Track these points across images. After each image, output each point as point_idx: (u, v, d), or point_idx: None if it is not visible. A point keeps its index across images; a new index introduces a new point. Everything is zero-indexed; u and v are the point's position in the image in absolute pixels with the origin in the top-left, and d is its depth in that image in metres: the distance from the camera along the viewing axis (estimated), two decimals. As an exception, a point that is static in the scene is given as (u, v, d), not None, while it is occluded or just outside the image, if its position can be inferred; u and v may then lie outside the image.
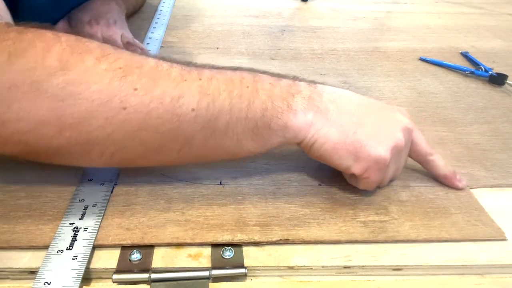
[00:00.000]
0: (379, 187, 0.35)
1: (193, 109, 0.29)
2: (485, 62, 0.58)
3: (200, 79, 0.30)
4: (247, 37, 0.65)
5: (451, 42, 0.66)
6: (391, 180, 0.36)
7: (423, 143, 0.36)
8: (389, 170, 0.34)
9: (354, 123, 0.32)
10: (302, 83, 0.34)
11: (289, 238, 0.31)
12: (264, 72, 0.34)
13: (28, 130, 0.28)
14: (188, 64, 0.32)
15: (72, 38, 0.29)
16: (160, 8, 0.73)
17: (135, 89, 0.28)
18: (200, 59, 0.57)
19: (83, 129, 0.28)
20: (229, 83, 0.31)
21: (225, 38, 0.64)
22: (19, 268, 0.28)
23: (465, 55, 0.61)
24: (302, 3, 0.82)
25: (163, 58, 0.31)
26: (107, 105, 0.28)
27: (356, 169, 0.32)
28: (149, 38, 0.61)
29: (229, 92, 0.30)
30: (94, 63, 0.28)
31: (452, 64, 0.58)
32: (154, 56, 0.31)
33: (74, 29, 0.54)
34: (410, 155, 0.36)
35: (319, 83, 0.35)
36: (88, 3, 0.56)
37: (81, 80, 0.27)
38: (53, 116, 0.27)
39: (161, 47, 0.60)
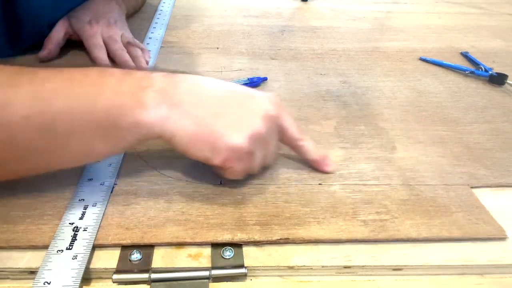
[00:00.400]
0: (251, 174, 0.35)
1: (23, 116, 0.27)
2: (485, 62, 0.58)
3: (31, 83, 0.28)
4: (247, 37, 0.65)
5: (451, 42, 0.66)
6: (265, 167, 0.36)
7: (292, 129, 0.36)
8: (254, 158, 0.33)
9: (212, 113, 0.32)
10: (157, 74, 0.32)
11: (289, 237, 0.31)
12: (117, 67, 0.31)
13: None
14: (22, 68, 0.30)
15: None
16: (160, 8, 0.73)
17: None
18: (200, 59, 0.57)
19: None
20: (68, 83, 0.29)
21: (225, 38, 0.64)
22: (19, 268, 0.28)
23: (465, 55, 0.61)
24: (302, 3, 0.82)
25: None
26: None
27: (216, 160, 0.32)
28: (149, 38, 0.61)
29: (68, 93, 0.29)
30: None
31: (452, 64, 0.58)
32: None
33: (74, 29, 0.54)
34: (281, 141, 0.36)
35: (181, 72, 0.33)
36: (89, 2, 0.55)
37: None
38: None
39: (161, 47, 0.60)
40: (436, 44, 0.65)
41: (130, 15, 0.67)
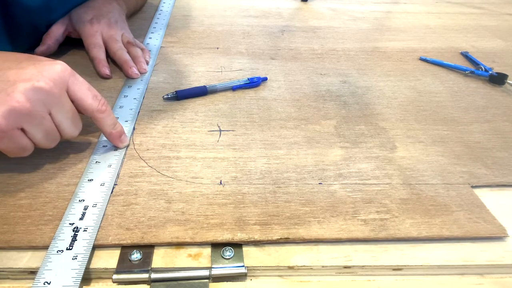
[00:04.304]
0: (33, 149, 0.34)
1: None
2: (485, 62, 0.58)
3: None
4: (247, 37, 0.65)
5: (451, 42, 0.66)
6: (67, 140, 0.36)
7: (85, 99, 0.34)
8: (19, 135, 0.31)
9: None
10: None
11: (289, 237, 0.31)
12: None
13: None
14: None
15: None
16: (160, 8, 0.73)
17: None
18: (200, 59, 0.57)
19: None
20: None
21: (225, 38, 0.64)
22: (19, 268, 0.28)
23: (465, 55, 0.61)
24: (302, 3, 0.82)
25: None
26: None
27: None
28: (149, 38, 0.61)
29: None
30: None
31: (452, 64, 0.58)
32: None
33: (75, 28, 0.54)
34: (80, 111, 0.36)
35: None
36: (90, 2, 0.56)
37: None
38: None
39: (161, 47, 0.60)
40: (436, 44, 0.65)
41: (131, 15, 0.67)
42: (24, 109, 0.30)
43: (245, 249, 0.30)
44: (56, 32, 0.53)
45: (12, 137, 0.31)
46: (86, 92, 0.35)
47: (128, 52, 0.53)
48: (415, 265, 0.30)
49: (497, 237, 0.32)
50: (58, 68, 0.33)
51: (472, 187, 0.37)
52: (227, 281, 0.28)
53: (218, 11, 0.75)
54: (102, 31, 0.53)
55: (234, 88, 0.50)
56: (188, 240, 0.30)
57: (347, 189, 0.36)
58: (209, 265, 0.29)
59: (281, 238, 0.31)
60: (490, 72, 0.55)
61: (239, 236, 0.31)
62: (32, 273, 0.28)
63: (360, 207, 0.34)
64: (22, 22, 0.50)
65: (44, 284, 0.26)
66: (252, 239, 0.30)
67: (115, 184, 0.35)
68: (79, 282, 0.27)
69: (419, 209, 0.34)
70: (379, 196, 0.35)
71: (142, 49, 0.55)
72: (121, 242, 0.30)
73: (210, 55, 0.58)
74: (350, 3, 0.83)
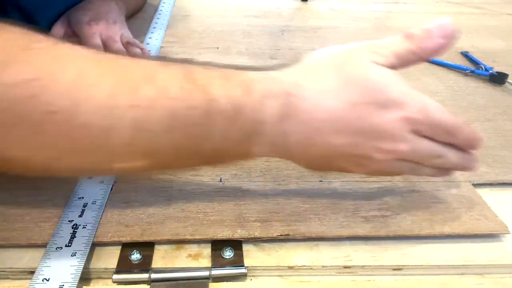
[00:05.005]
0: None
1: (126, 144, 0.25)
2: (485, 62, 0.58)
3: (135, 106, 0.24)
4: (247, 37, 0.65)
5: (451, 42, 0.66)
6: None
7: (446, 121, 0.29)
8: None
9: (326, 157, 0.29)
10: (268, 121, 0.27)
11: (290, 234, 0.30)
12: (221, 91, 0.26)
13: None
14: (126, 65, 0.26)
15: None
16: (160, 8, 0.73)
17: (51, 113, 0.23)
18: (200, 59, 0.57)
19: None
20: (171, 117, 0.25)
21: (225, 38, 0.64)
22: (19, 268, 0.28)
23: (465, 55, 0.61)
24: (302, 3, 0.82)
25: (97, 57, 0.26)
26: (19, 127, 0.24)
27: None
28: (149, 38, 0.61)
29: (172, 129, 0.25)
30: None
31: (452, 64, 0.58)
32: (82, 54, 0.26)
33: (73, 29, 0.54)
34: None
35: (296, 99, 0.27)
36: (88, 2, 0.56)
37: None
38: None
39: (161, 47, 0.60)
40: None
41: (130, 16, 0.67)
42: (401, 153, 0.29)
43: (245, 249, 0.30)
44: (55, 34, 0.53)
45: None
46: (440, 115, 0.29)
47: (128, 52, 0.53)
48: (415, 265, 0.30)
49: (499, 234, 0.32)
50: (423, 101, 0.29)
51: (473, 185, 0.36)
52: (227, 281, 0.28)
53: (218, 11, 0.75)
54: (101, 32, 0.53)
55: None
56: (188, 237, 0.30)
57: (348, 186, 0.35)
58: (209, 265, 0.29)
59: (281, 235, 0.30)
60: (490, 71, 0.55)
61: (239, 232, 0.30)
62: (32, 273, 0.28)
63: (360, 204, 0.34)
64: (21, 20, 0.50)
65: (42, 280, 0.26)
66: (252, 236, 0.30)
67: (114, 182, 0.35)
68: (78, 279, 0.26)
69: (420, 207, 0.34)
70: (380, 193, 0.35)
71: (141, 49, 0.55)
72: (121, 239, 0.30)
73: (210, 55, 0.58)
74: (350, 3, 0.83)
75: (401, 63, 0.29)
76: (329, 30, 0.69)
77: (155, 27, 0.65)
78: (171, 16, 0.71)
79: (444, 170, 0.31)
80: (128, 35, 0.55)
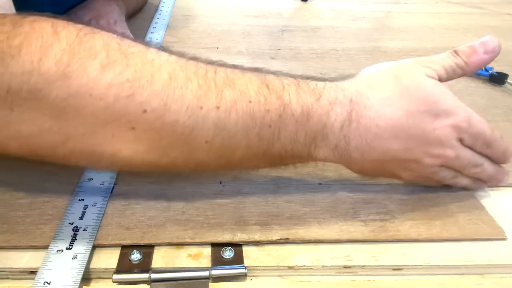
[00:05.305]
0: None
1: (206, 142, 0.28)
2: (485, 62, 0.58)
3: (218, 107, 0.27)
4: (247, 37, 0.65)
5: (451, 42, 0.66)
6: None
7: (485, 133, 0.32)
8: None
9: (378, 160, 0.32)
10: (333, 125, 0.30)
11: (289, 237, 0.31)
12: (294, 97, 0.29)
13: (30, 135, 0.26)
14: (206, 70, 0.28)
15: (73, 34, 0.26)
16: (160, 8, 0.73)
17: (145, 111, 0.26)
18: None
19: (88, 142, 0.27)
20: (249, 118, 0.28)
21: (225, 38, 0.64)
22: (19, 268, 0.28)
23: (465, 55, 0.61)
24: (302, 3, 0.82)
25: (180, 63, 0.28)
26: (114, 123, 0.26)
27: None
28: (149, 38, 0.61)
29: (248, 129, 0.28)
30: (97, 73, 0.25)
31: (452, 64, 0.58)
32: (169, 60, 0.28)
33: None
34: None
35: (359, 106, 0.30)
36: (89, 2, 0.56)
37: (83, 94, 0.25)
38: (56, 125, 0.26)
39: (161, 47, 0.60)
40: (436, 44, 0.65)
41: (131, 16, 0.67)
42: (446, 159, 0.32)
43: (245, 249, 0.30)
44: None
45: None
46: (481, 125, 0.33)
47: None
48: (415, 265, 0.30)
49: (496, 239, 0.32)
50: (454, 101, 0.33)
51: (472, 188, 0.37)
52: (227, 281, 0.28)
53: (218, 11, 0.75)
54: None
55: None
56: (188, 240, 0.30)
57: (347, 189, 0.36)
58: (209, 265, 0.29)
59: (281, 239, 0.31)
60: (490, 71, 0.55)
61: (239, 236, 0.30)
62: (32, 273, 0.28)
63: (360, 208, 0.34)
64: None
65: (44, 284, 0.26)
66: (252, 239, 0.30)
67: (115, 184, 0.35)
68: (79, 282, 0.27)
69: (419, 210, 0.34)
70: (379, 196, 0.35)
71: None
72: (121, 241, 0.30)
73: (210, 55, 0.58)
74: (350, 2, 0.83)
75: (448, 76, 0.32)
76: (329, 30, 0.69)
77: (155, 27, 0.65)
78: (171, 16, 0.71)
79: (479, 181, 0.35)
80: (128, 35, 0.55)
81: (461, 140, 0.32)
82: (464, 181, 0.34)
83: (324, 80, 0.32)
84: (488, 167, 0.34)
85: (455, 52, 0.33)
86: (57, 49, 0.25)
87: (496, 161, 0.34)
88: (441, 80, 0.32)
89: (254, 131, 0.29)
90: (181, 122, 0.27)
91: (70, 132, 0.26)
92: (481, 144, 0.32)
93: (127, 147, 0.27)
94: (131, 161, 0.28)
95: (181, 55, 0.29)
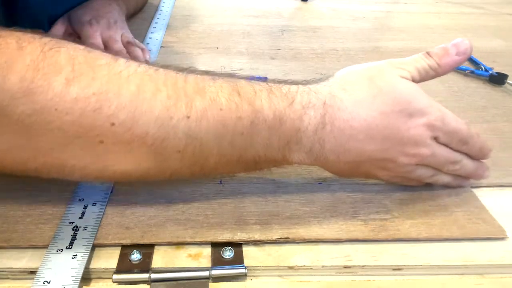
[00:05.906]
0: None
1: (178, 151, 0.28)
2: (485, 62, 0.58)
3: (188, 117, 0.27)
4: (247, 37, 0.65)
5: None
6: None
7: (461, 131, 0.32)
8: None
9: (358, 163, 0.32)
10: (307, 129, 0.30)
11: (289, 237, 0.31)
12: (266, 103, 0.29)
13: (1, 151, 0.26)
14: (176, 79, 0.28)
15: (37, 49, 0.25)
16: (160, 8, 0.73)
17: (113, 124, 0.26)
18: (200, 59, 0.57)
19: (58, 156, 0.27)
20: (221, 126, 0.28)
21: (225, 38, 0.64)
22: (19, 268, 0.28)
23: (465, 55, 0.61)
24: (302, 3, 0.82)
25: (149, 73, 0.28)
26: (82, 137, 0.26)
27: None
28: (149, 38, 0.61)
29: (220, 137, 0.28)
30: (62, 88, 0.25)
31: (452, 64, 0.58)
32: (138, 70, 0.28)
33: (74, 28, 0.54)
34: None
35: (332, 109, 0.30)
36: (90, 2, 0.56)
37: (49, 109, 0.25)
38: (24, 141, 0.26)
39: (161, 47, 0.60)
40: (436, 44, 0.64)
41: (131, 16, 0.67)
42: (422, 158, 0.32)
43: (245, 249, 0.30)
44: (56, 33, 0.53)
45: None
46: (455, 124, 0.33)
47: (128, 52, 0.53)
48: (415, 265, 0.30)
49: (496, 238, 0.32)
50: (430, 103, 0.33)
51: (472, 187, 0.36)
52: (227, 281, 0.28)
53: (218, 11, 0.75)
54: (102, 31, 0.53)
55: (234, 88, 0.50)
56: (188, 239, 0.30)
57: (347, 189, 0.36)
58: (209, 265, 0.29)
59: (281, 238, 0.31)
60: (490, 72, 0.55)
61: (239, 235, 0.31)
62: (32, 273, 0.28)
63: (360, 207, 0.34)
64: (24, 17, 0.50)
65: (43, 283, 0.26)
66: (252, 239, 0.30)
67: (115, 183, 0.35)
68: (78, 281, 0.27)
69: (419, 210, 0.34)
70: (379, 196, 0.35)
71: (142, 49, 0.55)
72: (121, 241, 0.30)
73: (210, 55, 0.58)
74: (350, 2, 0.83)
75: (421, 77, 0.33)
76: (329, 30, 0.69)
77: (155, 27, 0.65)
78: (171, 16, 0.71)
79: (459, 178, 0.35)
80: (128, 35, 0.55)
81: (436, 139, 0.32)
82: (445, 179, 0.35)
83: (297, 83, 0.31)
84: (467, 164, 0.34)
85: (428, 53, 0.33)
86: (21, 65, 0.24)
87: (475, 157, 0.35)
88: (414, 81, 0.32)
89: (226, 139, 0.28)
90: (151, 134, 0.27)
91: (38, 147, 0.26)
92: (457, 141, 0.33)
93: (98, 161, 0.27)
94: (103, 173, 0.28)
95: (151, 64, 0.29)
